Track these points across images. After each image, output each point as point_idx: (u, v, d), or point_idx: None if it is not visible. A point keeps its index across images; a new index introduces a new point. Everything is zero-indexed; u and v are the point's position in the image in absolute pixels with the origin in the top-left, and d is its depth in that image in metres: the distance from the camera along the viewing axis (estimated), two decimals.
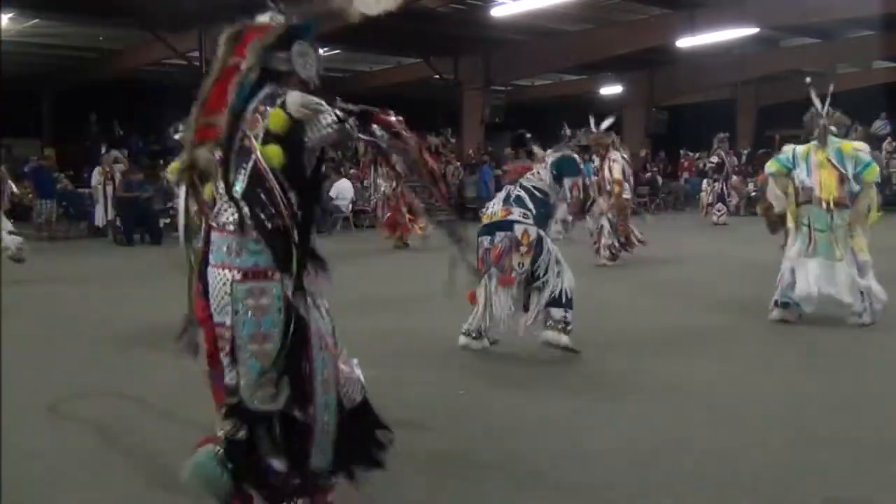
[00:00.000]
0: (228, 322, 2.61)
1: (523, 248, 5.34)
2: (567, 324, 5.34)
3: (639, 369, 5.18)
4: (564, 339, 5.33)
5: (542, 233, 5.42)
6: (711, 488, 3.28)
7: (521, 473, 3.45)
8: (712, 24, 18.00)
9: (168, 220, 15.24)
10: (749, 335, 6.15)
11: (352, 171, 17.22)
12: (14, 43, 17.25)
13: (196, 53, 17.91)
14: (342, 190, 16.07)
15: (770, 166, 6.61)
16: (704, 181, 18.07)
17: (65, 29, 17.99)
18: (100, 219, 15.00)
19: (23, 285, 9.03)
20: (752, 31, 18.49)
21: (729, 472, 3.42)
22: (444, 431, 4.01)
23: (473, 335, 5.61)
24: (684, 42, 19.26)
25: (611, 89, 25.89)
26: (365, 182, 17.57)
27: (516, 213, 5.43)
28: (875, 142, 21.43)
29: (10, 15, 16.02)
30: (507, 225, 5.41)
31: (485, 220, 5.62)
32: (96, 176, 15.02)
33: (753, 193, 19.31)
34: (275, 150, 2.59)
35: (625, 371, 5.14)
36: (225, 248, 2.63)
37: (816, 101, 6.43)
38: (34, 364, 5.36)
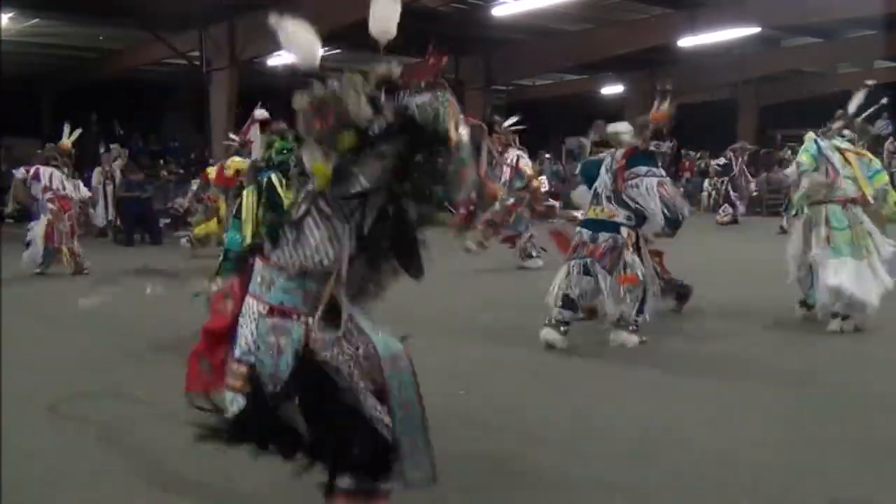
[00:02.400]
0: (252, 360, 2.54)
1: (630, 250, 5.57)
2: (636, 324, 5.66)
3: (638, 369, 5.17)
4: (635, 339, 5.61)
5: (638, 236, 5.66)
6: (711, 488, 3.27)
7: (522, 473, 3.44)
8: (713, 24, 18.00)
9: (168, 221, 15.25)
10: (749, 335, 6.14)
11: None
12: (14, 43, 17.25)
13: (196, 53, 17.91)
14: None
15: (805, 162, 6.26)
16: (706, 181, 18.01)
17: (65, 29, 17.99)
18: (100, 219, 14.98)
19: (23, 285, 9.04)
20: (753, 30, 18.48)
21: (729, 472, 3.42)
22: (443, 431, 3.99)
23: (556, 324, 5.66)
24: (685, 42, 19.25)
25: (612, 89, 25.90)
26: None
27: (622, 215, 5.59)
28: (878, 141, 21.51)
29: (10, 15, 16.02)
30: (612, 226, 5.59)
31: (590, 214, 5.76)
32: (96, 176, 15.00)
33: (755, 193, 19.30)
34: (322, 168, 2.40)
35: (625, 371, 5.14)
36: (259, 279, 2.58)
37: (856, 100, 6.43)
38: (34, 364, 5.36)
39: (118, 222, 14.63)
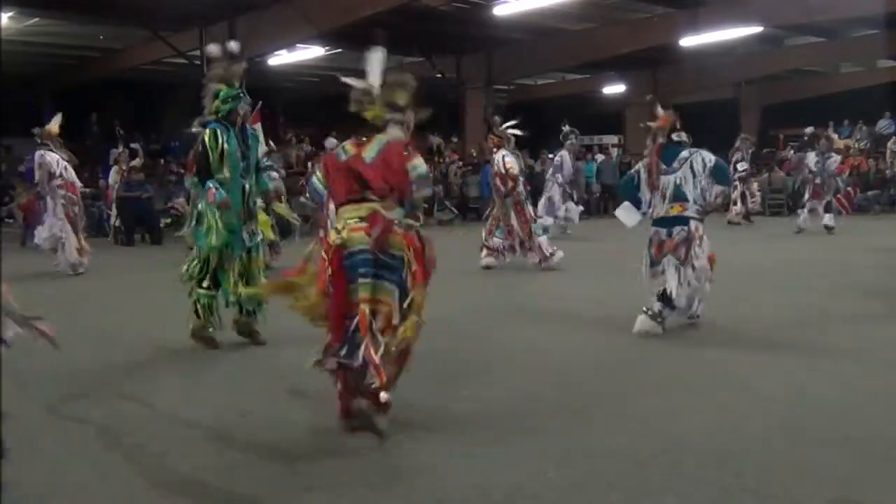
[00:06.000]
0: None
1: (697, 241, 5.98)
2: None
3: (639, 369, 5.17)
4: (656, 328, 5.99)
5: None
6: (713, 488, 3.26)
7: (522, 474, 3.43)
8: (716, 23, 17.99)
9: (168, 221, 15.23)
10: (750, 335, 6.13)
11: None
12: (14, 42, 17.26)
13: (196, 52, 17.92)
14: None
15: None
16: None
17: (65, 28, 18.00)
18: (115, 219, 14.86)
19: (22, 284, 9.03)
20: (756, 29, 18.48)
21: (731, 472, 3.41)
22: (444, 432, 4.00)
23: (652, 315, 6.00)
24: (688, 41, 19.25)
25: (614, 88, 25.88)
26: None
27: (691, 209, 6.01)
28: (880, 140, 21.47)
29: (10, 14, 16.03)
30: (682, 220, 6.00)
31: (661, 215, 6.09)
32: (113, 175, 14.96)
33: (758, 192, 19.27)
34: None
35: (625, 371, 5.13)
36: None
37: None
38: (34, 364, 5.35)
39: (118, 222, 14.60)
